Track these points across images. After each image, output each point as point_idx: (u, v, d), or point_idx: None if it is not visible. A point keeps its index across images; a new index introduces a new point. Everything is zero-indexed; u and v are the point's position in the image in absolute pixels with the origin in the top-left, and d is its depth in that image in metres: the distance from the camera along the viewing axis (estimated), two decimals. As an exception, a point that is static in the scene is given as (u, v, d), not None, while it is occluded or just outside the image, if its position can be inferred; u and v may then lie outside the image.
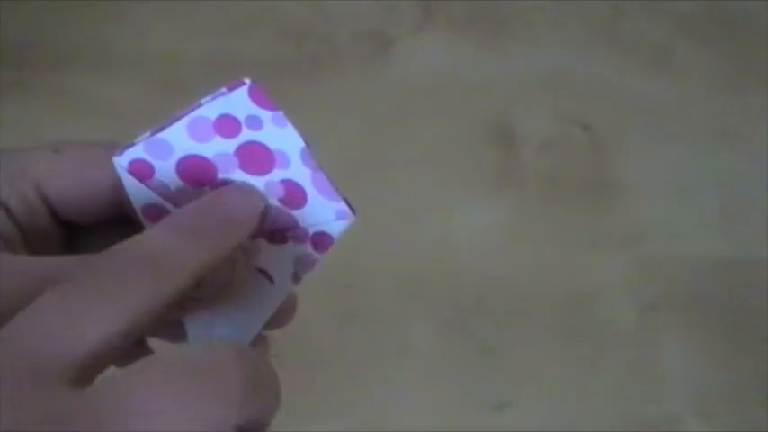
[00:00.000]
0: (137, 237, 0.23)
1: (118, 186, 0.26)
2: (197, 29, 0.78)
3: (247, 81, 0.25)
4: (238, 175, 0.26)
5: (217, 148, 0.26)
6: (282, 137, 0.26)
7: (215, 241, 0.24)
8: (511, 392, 0.63)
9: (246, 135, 0.26)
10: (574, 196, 0.71)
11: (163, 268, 0.23)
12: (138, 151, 0.26)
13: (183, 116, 0.25)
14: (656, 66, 0.78)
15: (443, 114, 0.74)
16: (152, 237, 0.23)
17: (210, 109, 0.25)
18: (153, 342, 0.28)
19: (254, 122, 0.25)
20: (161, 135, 0.25)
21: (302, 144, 0.26)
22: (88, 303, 0.21)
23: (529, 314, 0.66)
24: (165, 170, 0.26)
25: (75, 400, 0.19)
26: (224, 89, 0.25)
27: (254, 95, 0.25)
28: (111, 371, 0.21)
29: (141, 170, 0.26)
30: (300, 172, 0.26)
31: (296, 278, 0.28)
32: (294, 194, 0.27)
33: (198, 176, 0.26)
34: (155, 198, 0.27)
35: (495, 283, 0.67)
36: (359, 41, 0.78)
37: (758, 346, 0.65)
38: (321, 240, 0.27)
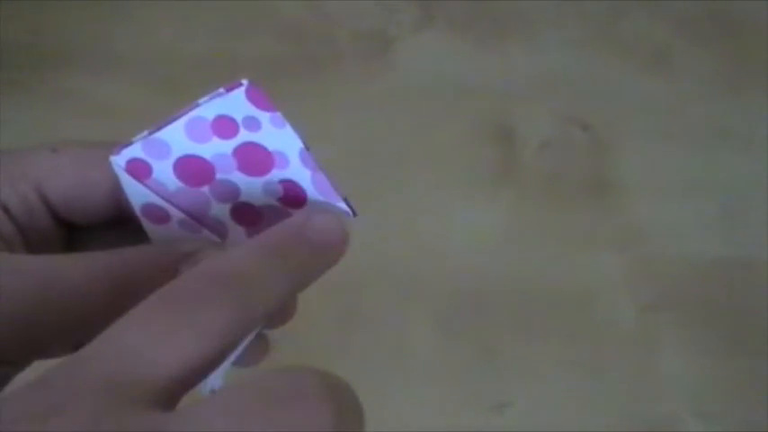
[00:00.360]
0: (225, 255, 0.22)
1: (117, 186, 0.26)
2: (197, 29, 0.78)
3: (245, 82, 0.25)
4: (237, 176, 0.26)
5: (215, 149, 0.26)
6: (281, 138, 0.25)
7: (305, 267, 0.24)
8: (511, 392, 0.63)
9: (244, 136, 0.25)
10: (574, 196, 0.71)
11: (252, 292, 0.22)
12: (135, 150, 0.26)
13: (180, 116, 0.25)
14: (656, 66, 0.78)
15: (443, 114, 0.74)
16: (242, 257, 0.22)
17: (208, 109, 0.25)
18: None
19: (252, 123, 0.25)
20: (158, 135, 0.25)
21: (301, 145, 0.26)
22: (172, 326, 0.20)
23: (529, 314, 0.66)
24: (163, 170, 0.26)
25: (153, 423, 0.18)
26: (222, 90, 0.25)
27: (252, 96, 0.25)
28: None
29: (139, 169, 0.26)
30: (300, 172, 0.26)
31: None
32: (294, 194, 0.27)
33: (196, 176, 0.26)
34: (153, 197, 0.26)
35: (495, 283, 0.67)
36: (359, 41, 0.78)
37: (758, 346, 0.65)
38: None
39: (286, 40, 0.77)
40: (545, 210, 0.70)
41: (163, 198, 0.26)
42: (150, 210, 0.27)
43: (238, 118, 0.25)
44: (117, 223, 0.28)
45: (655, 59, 0.78)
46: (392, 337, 0.64)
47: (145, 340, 0.20)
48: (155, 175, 0.26)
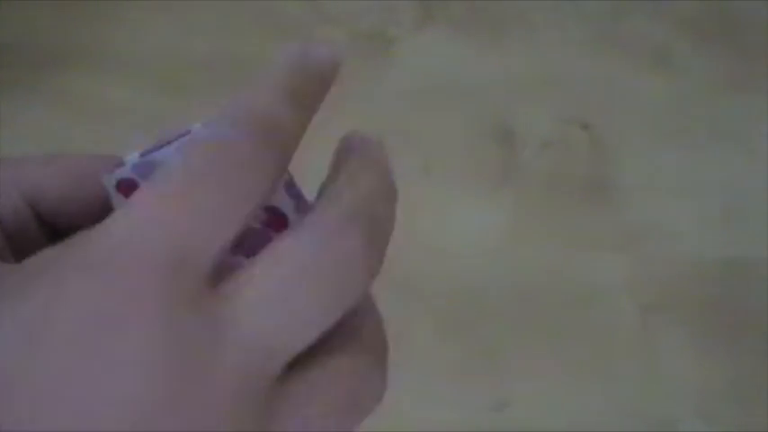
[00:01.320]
0: (250, 98, 0.21)
1: (108, 199, 0.26)
2: (197, 29, 0.78)
3: None
4: None
5: None
6: None
7: (313, 102, 0.23)
8: (511, 392, 0.63)
9: None
10: (574, 196, 0.71)
11: (284, 139, 0.21)
12: (126, 172, 0.26)
13: (172, 141, 0.25)
14: (656, 66, 0.78)
15: (443, 114, 0.74)
16: (267, 101, 0.21)
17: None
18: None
19: None
20: (149, 158, 0.26)
21: (288, 175, 0.26)
22: (222, 193, 0.20)
23: (529, 314, 0.66)
24: None
25: (214, 300, 0.18)
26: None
27: None
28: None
29: (130, 189, 0.26)
30: (283, 201, 0.26)
31: None
32: (276, 221, 0.27)
33: None
34: None
35: (496, 282, 0.67)
36: (359, 41, 0.78)
37: (758, 346, 0.65)
38: None
39: (286, 40, 0.77)
40: (545, 210, 0.70)
41: None
42: None
43: None
44: None
45: (655, 59, 0.78)
46: (392, 337, 0.64)
47: (185, 216, 0.19)
48: None
